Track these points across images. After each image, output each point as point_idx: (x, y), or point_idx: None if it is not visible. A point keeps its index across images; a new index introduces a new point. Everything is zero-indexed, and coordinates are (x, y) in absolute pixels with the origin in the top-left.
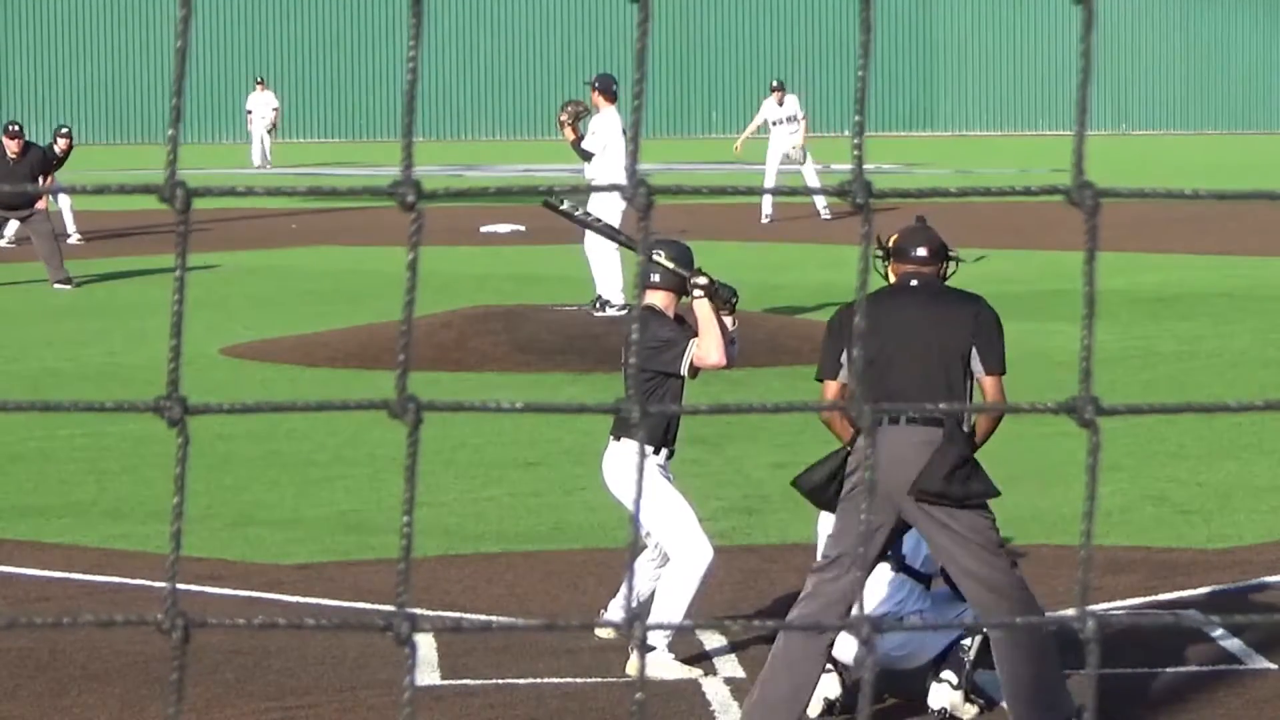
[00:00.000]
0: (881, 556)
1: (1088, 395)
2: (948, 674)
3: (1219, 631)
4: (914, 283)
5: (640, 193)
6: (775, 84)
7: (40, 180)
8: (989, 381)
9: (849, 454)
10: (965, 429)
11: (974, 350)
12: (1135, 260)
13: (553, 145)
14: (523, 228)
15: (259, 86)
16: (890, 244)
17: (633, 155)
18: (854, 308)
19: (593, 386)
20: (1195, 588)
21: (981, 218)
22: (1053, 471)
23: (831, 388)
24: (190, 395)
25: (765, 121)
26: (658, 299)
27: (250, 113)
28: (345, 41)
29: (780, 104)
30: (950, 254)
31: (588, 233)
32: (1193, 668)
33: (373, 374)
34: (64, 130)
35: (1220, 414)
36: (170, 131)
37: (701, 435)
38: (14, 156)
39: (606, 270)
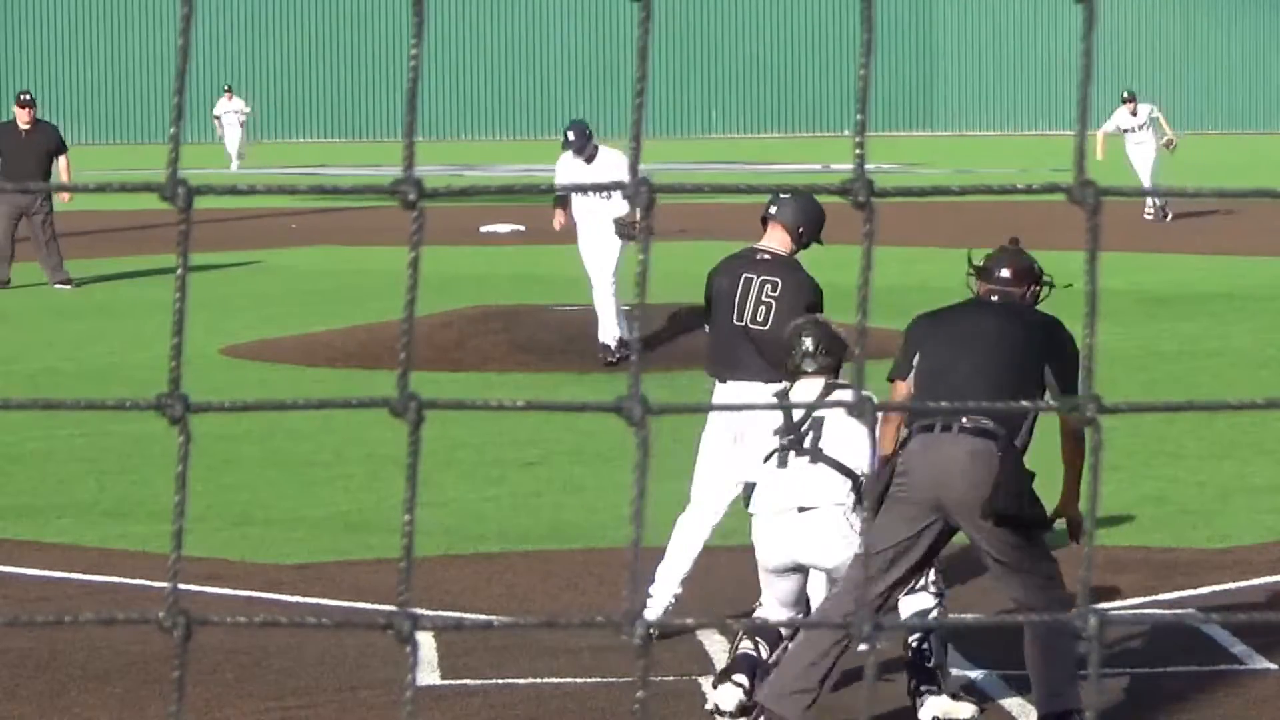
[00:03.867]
0: (929, 559)
1: (1089, 393)
2: (926, 687)
3: (1219, 631)
4: (994, 298)
5: (642, 191)
6: (1127, 95)
7: (53, 162)
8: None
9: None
10: (1018, 444)
11: (1048, 370)
12: (1135, 260)
13: (552, 145)
14: (523, 228)
15: (227, 94)
16: (979, 263)
17: (634, 154)
18: (936, 314)
19: (593, 386)
20: (1195, 588)
21: (982, 217)
22: (1054, 471)
23: (901, 388)
24: (190, 395)
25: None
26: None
27: (218, 118)
28: (345, 41)
29: (1134, 114)
30: (1043, 278)
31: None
32: (1193, 668)
33: (373, 374)
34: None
35: (1220, 414)
36: (172, 130)
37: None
38: (26, 127)
39: (607, 309)
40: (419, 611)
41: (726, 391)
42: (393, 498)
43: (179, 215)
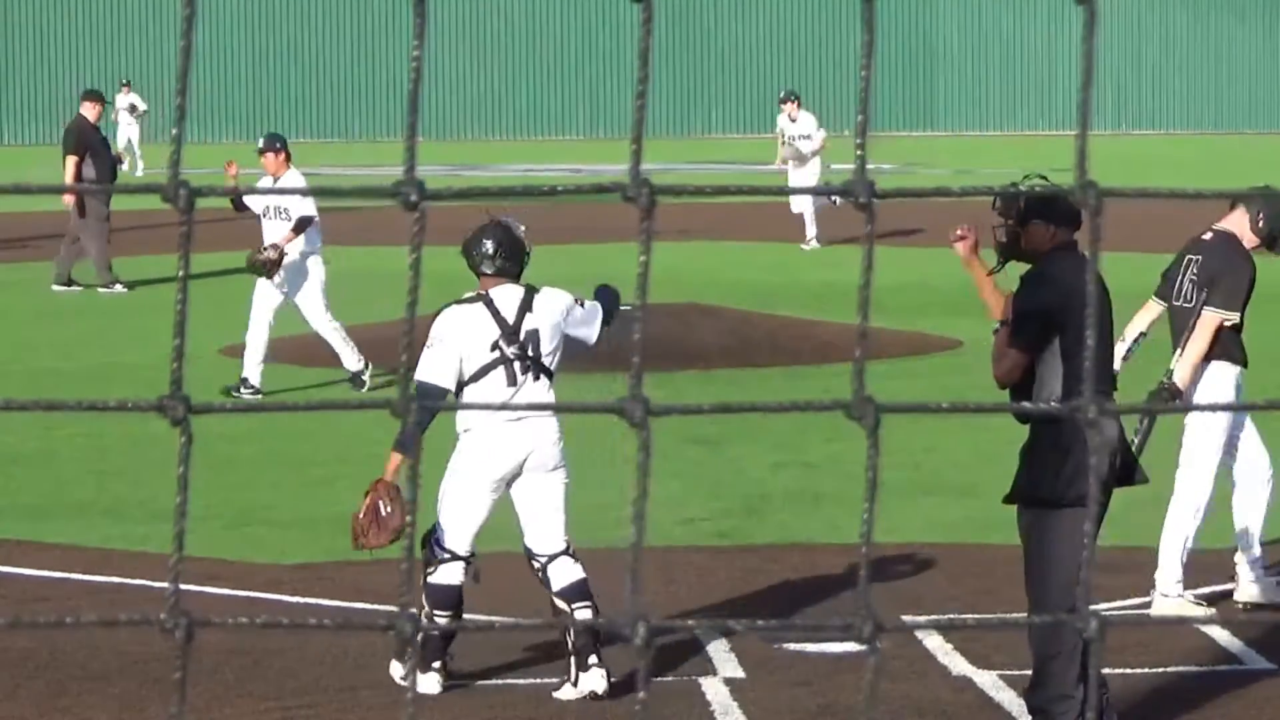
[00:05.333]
0: None
1: (1091, 395)
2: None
3: (1219, 631)
4: (1083, 252)
5: (643, 193)
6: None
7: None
8: None
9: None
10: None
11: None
12: (1135, 260)
13: (554, 145)
14: (523, 228)
15: (125, 88)
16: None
17: (635, 155)
18: (1068, 278)
19: (593, 386)
20: (1195, 588)
21: (982, 217)
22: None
23: (1024, 360)
24: (191, 395)
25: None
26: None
27: (116, 114)
28: (344, 41)
29: (792, 119)
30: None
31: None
32: (1193, 668)
33: (373, 374)
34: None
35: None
36: (174, 130)
37: (702, 435)
38: (95, 122)
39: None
40: (421, 612)
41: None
42: None
43: (181, 217)
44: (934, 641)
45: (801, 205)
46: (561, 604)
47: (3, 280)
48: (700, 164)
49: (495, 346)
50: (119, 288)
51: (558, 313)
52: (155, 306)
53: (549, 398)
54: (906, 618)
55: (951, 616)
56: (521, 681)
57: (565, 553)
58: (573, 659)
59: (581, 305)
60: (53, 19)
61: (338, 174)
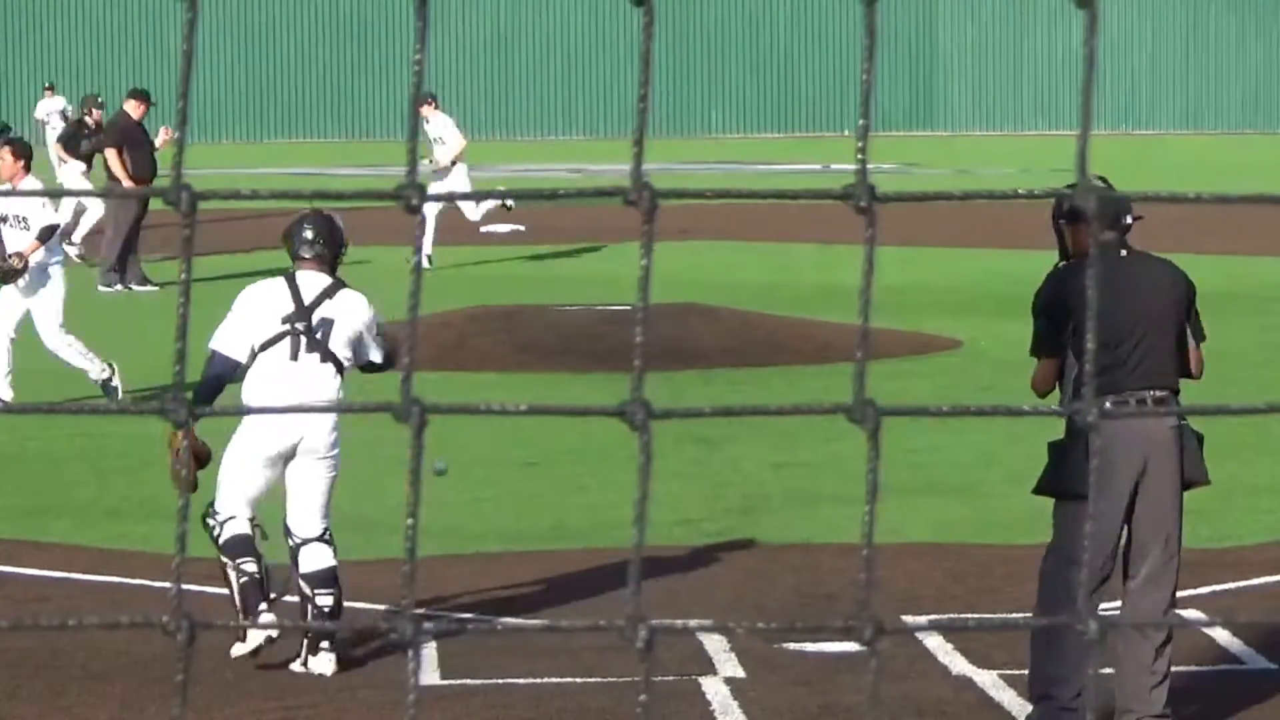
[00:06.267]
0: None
1: (1093, 396)
2: None
3: (1219, 631)
4: (1124, 252)
5: (645, 196)
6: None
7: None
8: (1198, 352)
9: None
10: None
11: (1186, 322)
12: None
13: (554, 145)
14: (522, 227)
15: (48, 92)
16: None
17: (637, 158)
18: (1070, 278)
19: (593, 386)
20: (1195, 588)
21: (983, 216)
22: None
23: (1052, 365)
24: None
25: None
26: None
27: (42, 120)
28: (345, 41)
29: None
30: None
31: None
32: (1193, 668)
33: None
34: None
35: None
36: (176, 134)
37: (701, 435)
38: (140, 120)
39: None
40: (422, 613)
41: None
42: (393, 498)
43: (183, 219)
44: (934, 641)
45: (472, 213)
46: (305, 587)
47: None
48: (700, 164)
49: (286, 320)
50: (119, 288)
51: (358, 315)
52: (149, 307)
53: (332, 385)
54: (906, 618)
55: (951, 616)
56: (521, 681)
57: (320, 539)
58: (305, 641)
59: (380, 328)
60: (54, 18)
61: (337, 174)
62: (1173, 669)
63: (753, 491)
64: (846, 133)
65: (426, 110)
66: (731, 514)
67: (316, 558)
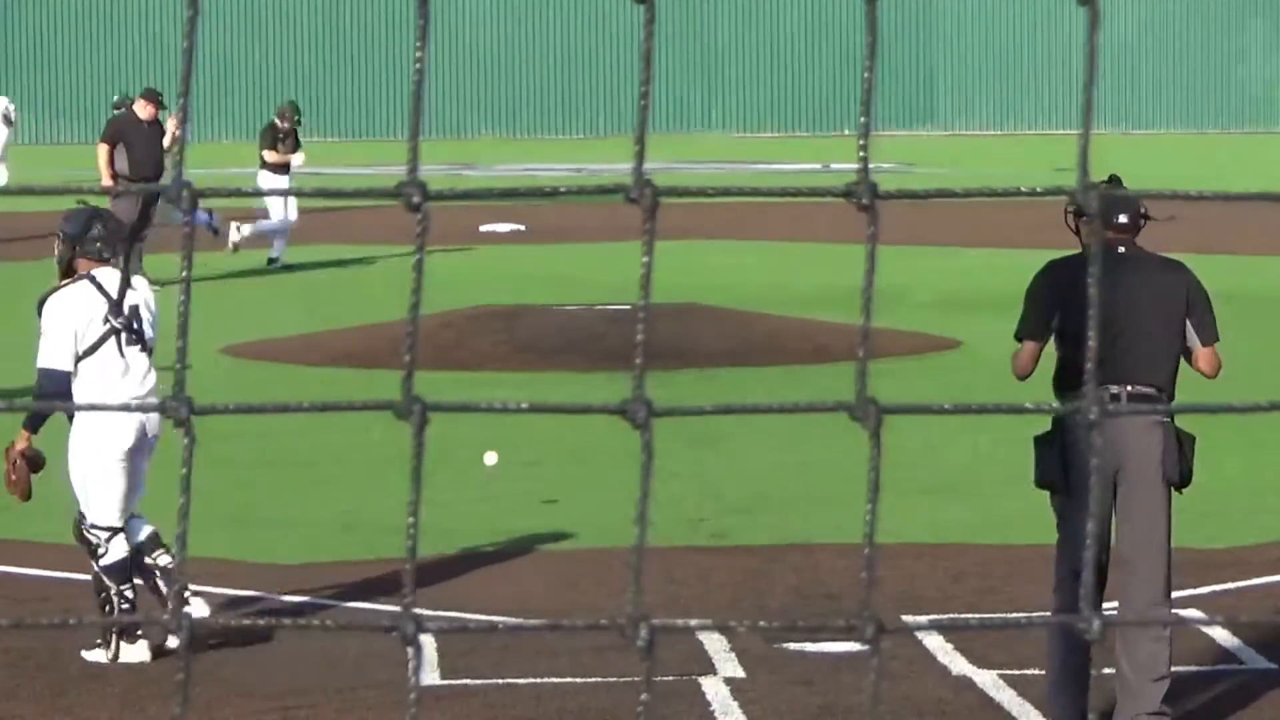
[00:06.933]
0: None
1: (1093, 396)
2: None
3: (1219, 631)
4: (1121, 250)
5: (646, 194)
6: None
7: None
8: (1207, 352)
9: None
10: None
11: (1188, 322)
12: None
13: (554, 145)
14: (523, 227)
15: None
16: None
17: (638, 157)
18: (1059, 267)
19: (593, 386)
20: (1195, 588)
21: (983, 216)
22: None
23: (1031, 348)
24: (191, 395)
25: None
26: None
27: None
28: (345, 41)
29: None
30: (1148, 216)
31: None
32: (1193, 668)
33: (374, 374)
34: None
35: (1220, 414)
36: (178, 133)
37: (701, 435)
38: (149, 120)
39: None
40: (422, 612)
41: None
42: (393, 498)
43: (185, 217)
44: (934, 641)
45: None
46: (145, 556)
47: (4, 279)
48: (701, 162)
49: (105, 319)
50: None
51: (151, 299)
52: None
53: (153, 371)
54: (907, 618)
55: (952, 616)
56: (521, 681)
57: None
58: (115, 631)
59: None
60: (53, 19)
61: (338, 174)
62: (1173, 669)
63: (753, 491)
64: (847, 132)
65: None
66: (731, 514)
67: (141, 526)
